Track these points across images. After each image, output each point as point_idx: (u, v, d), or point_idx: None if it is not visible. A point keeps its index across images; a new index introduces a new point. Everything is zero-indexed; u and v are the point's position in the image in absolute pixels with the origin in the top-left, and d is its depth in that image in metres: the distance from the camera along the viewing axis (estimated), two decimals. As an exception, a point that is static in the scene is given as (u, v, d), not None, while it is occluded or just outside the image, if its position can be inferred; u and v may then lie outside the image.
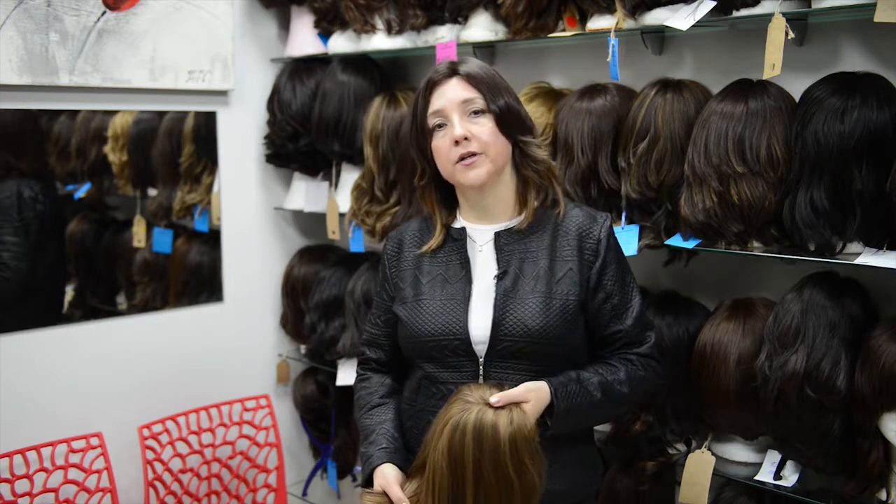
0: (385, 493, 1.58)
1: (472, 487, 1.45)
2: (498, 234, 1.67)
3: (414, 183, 1.73)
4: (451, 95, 1.62)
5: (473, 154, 1.60)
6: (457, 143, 1.60)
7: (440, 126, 1.63)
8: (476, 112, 1.62)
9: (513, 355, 1.61)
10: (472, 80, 1.63)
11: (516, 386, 1.53)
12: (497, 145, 1.62)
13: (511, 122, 1.64)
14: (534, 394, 1.53)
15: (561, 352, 1.63)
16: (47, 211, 2.50)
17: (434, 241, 1.71)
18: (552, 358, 1.62)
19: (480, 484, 1.44)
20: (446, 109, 1.62)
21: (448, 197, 1.74)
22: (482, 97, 1.62)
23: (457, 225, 1.72)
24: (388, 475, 1.60)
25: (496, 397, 1.48)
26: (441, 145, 1.63)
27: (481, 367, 1.62)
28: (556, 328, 1.60)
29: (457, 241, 1.70)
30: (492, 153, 1.61)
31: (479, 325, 1.62)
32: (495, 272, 1.65)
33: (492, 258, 1.67)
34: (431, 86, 1.65)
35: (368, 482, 1.64)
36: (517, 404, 1.50)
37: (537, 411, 1.53)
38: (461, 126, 1.60)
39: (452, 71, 1.65)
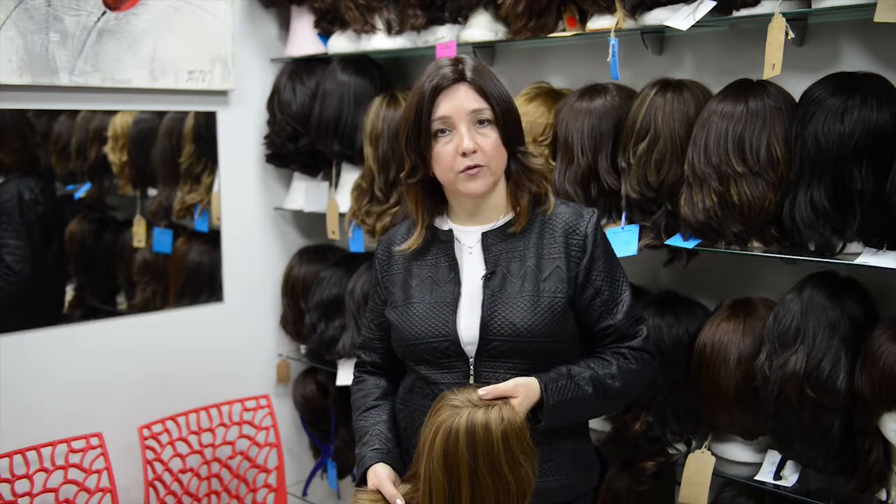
0: (378, 491, 1.59)
1: (469, 490, 1.45)
2: (485, 235, 1.67)
3: (400, 178, 1.71)
4: (461, 104, 1.59)
5: (479, 166, 1.59)
6: (464, 154, 1.58)
7: (443, 132, 1.61)
8: (482, 122, 1.60)
9: (503, 354, 1.61)
10: (479, 88, 1.60)
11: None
12: (499, 157, 1.62)
13: (512, 133, 1.64)
14: (522, 389, 1.53)
15: (551, 349, 1.63)
16: (48, 212, 2.50)
17: (414, 242, 1.70)
18: (543, 355, 1.62)
19: (477, 485, 1.45)
20: (454, 118, 1.59)
21: (433, 197, 1.72)
22: (490, 108, 1.60)
23: (444, 227, 1.72)
24: (380, 474, 1.61)
25: (484, 390, 1.50)
26: (445, 153, 1.60)
27: (472, 367, 1.62)
28: (545, 326, 1.60)
29: (444, 244, 1.70)
30: (494, 165, 1.61)
31: (468, 325, 1.62)
32: (483, 273, 1.65)
33: (480, 259, 1.67)
34: (438, 91, 1.60)
35: (362, 483, 1.65)
36: (505, 400, 1.51)
37: (527, 406, 1.54)
38: (469, 138, 1.58)
39: (460, 76, 1.61)
